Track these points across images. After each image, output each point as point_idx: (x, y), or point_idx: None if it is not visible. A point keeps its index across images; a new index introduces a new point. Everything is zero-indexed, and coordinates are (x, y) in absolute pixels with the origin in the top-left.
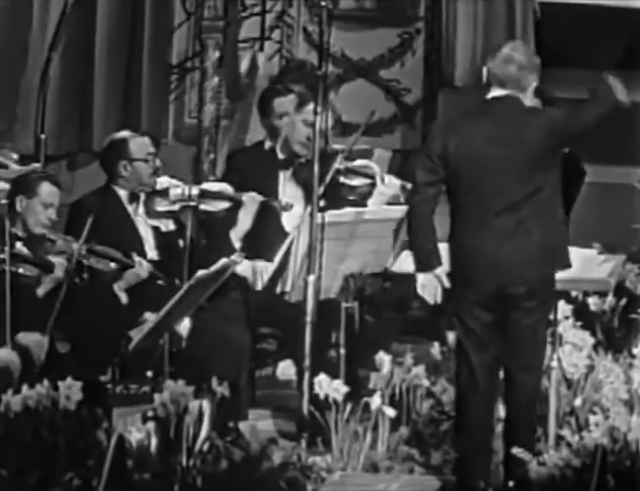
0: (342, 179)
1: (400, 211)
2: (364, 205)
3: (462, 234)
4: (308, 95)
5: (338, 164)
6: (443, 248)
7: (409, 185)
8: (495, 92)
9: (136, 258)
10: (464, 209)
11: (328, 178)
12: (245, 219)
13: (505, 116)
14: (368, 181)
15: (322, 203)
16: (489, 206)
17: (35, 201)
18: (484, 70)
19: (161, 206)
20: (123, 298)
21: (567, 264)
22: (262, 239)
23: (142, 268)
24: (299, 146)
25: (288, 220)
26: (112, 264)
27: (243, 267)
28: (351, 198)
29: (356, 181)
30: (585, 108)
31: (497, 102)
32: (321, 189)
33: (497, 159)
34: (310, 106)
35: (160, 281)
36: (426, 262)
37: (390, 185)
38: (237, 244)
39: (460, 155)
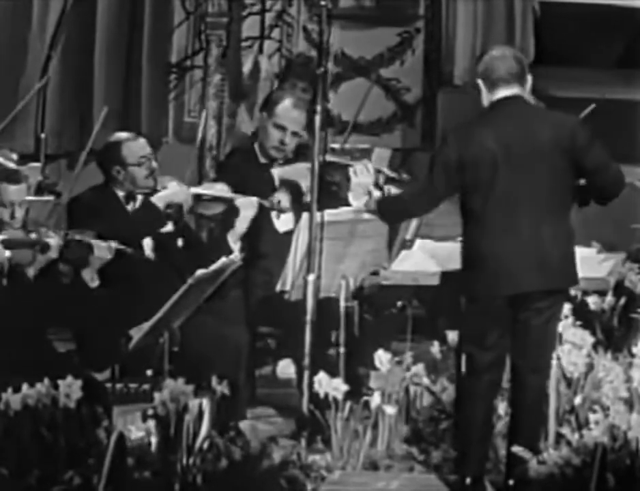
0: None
1: None
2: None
3: (476, 237)
4: (278, 96)
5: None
6: (445, 247)
7: (386, 171)
8: (502, 92)
9: (93, 241)
10: (480, 213)
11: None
12: (242, 222)
13: (516, 117)
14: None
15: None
16: (504, 211)
17: None
18: (479, 82)
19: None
20: (94, 283)
21: (574, 282)
22: (257, 241)
23: (102, 249)
24: (273, 150)
25: (280, 221)
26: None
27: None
28: (336, 191)
29: (337, 177)
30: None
31: (505, 103)
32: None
33: (511, 162)
34: (280, 108)
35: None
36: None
37: (363, 173)
38: (234, 246)
39: (476, 160)
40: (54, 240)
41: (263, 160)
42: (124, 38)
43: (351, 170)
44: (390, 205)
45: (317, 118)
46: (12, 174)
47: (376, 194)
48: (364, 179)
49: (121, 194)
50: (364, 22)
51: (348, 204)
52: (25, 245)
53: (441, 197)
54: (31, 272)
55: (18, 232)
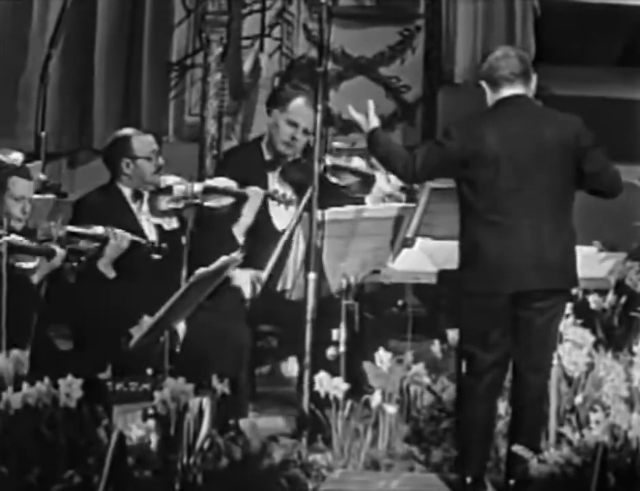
0: (332, 178)
1: (398, 209)
2: (361, 202)
3: (476, 234)
4: (291, 93)
5: (327, 161)
6: (446, 246)
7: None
8: (506, 92)
9: (110, 231)
10: (480, 210)
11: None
12: (248, 214)
13: (520, 116)
14: (356, 178)
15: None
16: (506, 210)
17: (6, 196)
18: (483, 83)
19: (165, 204)
20: (110, 273)
21: (575, 283)
22: (257, 238)
23: (119, 239)
24: (283, 146)
25: (280, 219)
26: (94, 244)
27: (239, 278)
28: (344, 196)
29: (347, 180)
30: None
31: (510, 102)
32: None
33: (514, 160)
34: (293, 105)
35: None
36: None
37: (388, 184)
38: (240, 239)
39: (479, 158)
40: (59, 247)
41: (268, 157)
42: (124, 37)
43: (383, 177)
44: (382, 146)
45: (318, 117)
46: (22, 170)
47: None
48: (389, 189)
49: (127, 191)
50: (364, 20)
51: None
52: (31, 251)
53: (422, 179)
54: (35, 278)
55: (26, 240)
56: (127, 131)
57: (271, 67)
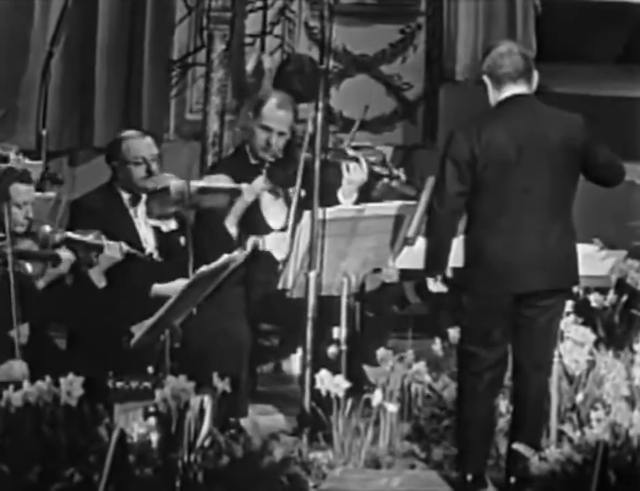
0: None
1: (400, 207)
2: (334, 196)
3: (483, 235)
4: (263, 96)
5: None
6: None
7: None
8: (509, 90)
9: (105, 242)
10: (487, 211)
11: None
12: (238, 207)
13: (525, 115)
14: (337, 172)
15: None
16: (513, 211)
17: (10, 204)
18: (485, 78)
19: (162, 208)
20: (101, 283)
21: (577, 282)
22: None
23: (113, 250)
24: (261, 151)
25: (273, 219)
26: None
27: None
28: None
29: (328, 177)
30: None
31: (514, 101)
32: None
33: (522, 161)
34: (265, 109)
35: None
36: (436, 268)
37: (356, 171)
38: (232, 230)
39: (487, 159)
40: (66, 254)
41: (253, 161)
42: (125, 35)
43: (343, 166)
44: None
45: (319, 115)
46: (23, 175)
47: None
48: (357, 176)
49: (125, 195)
50: (365, 18)
51: (337, 203)
52: (39, 258)
53: (458, 195)
54: (41, 284)
55: (31, 243)
56: (128, 133)
57: (273, 68)
